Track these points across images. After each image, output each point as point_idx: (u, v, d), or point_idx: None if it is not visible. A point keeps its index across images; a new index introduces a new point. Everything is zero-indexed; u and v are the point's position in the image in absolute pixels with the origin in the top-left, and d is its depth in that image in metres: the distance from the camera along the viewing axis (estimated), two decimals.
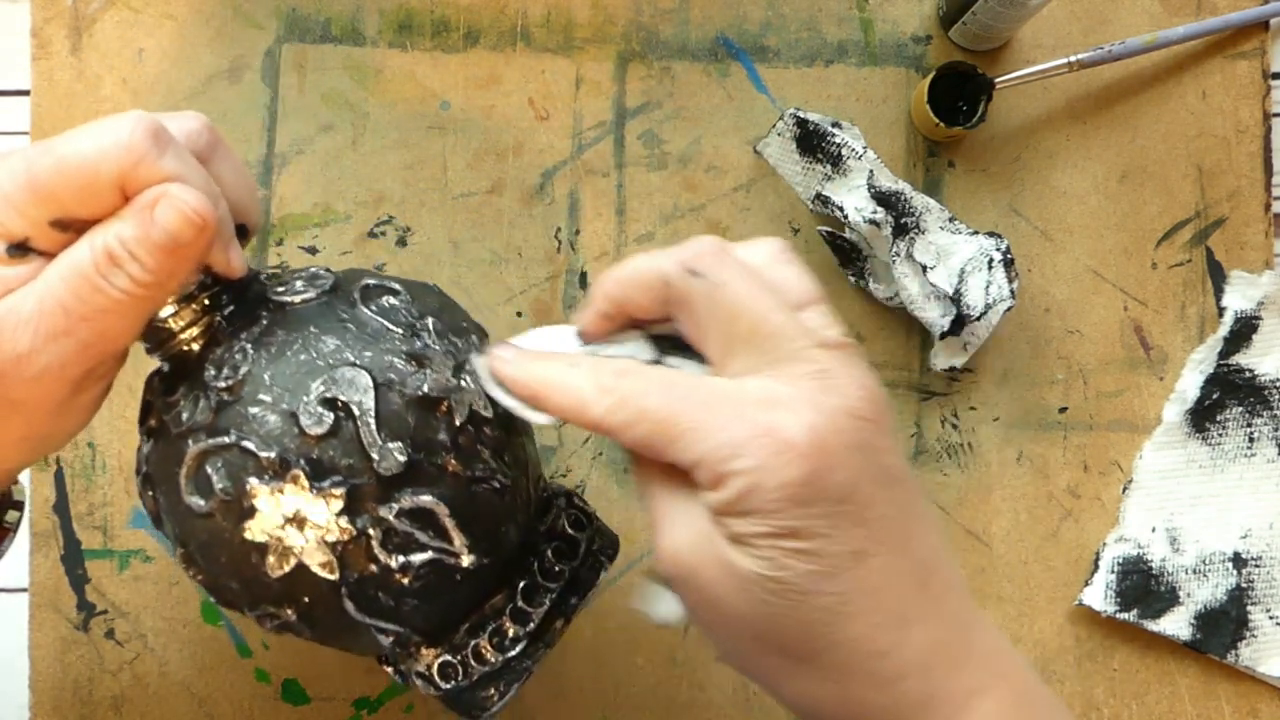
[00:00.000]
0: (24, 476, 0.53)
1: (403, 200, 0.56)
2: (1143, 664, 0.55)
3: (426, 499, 0.34)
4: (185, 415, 0.34)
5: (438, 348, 0.36)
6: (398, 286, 0.38)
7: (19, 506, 0.41)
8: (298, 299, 0.36)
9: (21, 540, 0.54)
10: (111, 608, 0.54)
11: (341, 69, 0.56)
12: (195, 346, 0.35)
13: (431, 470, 0.34)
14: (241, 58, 0.56)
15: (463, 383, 0.36)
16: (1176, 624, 0.54)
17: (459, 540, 0.35)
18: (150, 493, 0.36)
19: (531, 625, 0.37)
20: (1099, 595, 0.54)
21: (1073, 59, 0.54)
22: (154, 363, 0.37)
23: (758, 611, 0.29)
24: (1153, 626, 0.54)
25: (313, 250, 0.55)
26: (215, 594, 0.36)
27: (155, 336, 0.34)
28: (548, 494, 0.40)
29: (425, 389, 0.34)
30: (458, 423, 0.35)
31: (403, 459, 0.33)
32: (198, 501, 0.33)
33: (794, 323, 0.31)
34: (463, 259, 0.55)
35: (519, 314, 0.55)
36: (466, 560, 0.35)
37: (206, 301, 0.34)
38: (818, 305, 0.32)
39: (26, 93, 0.56)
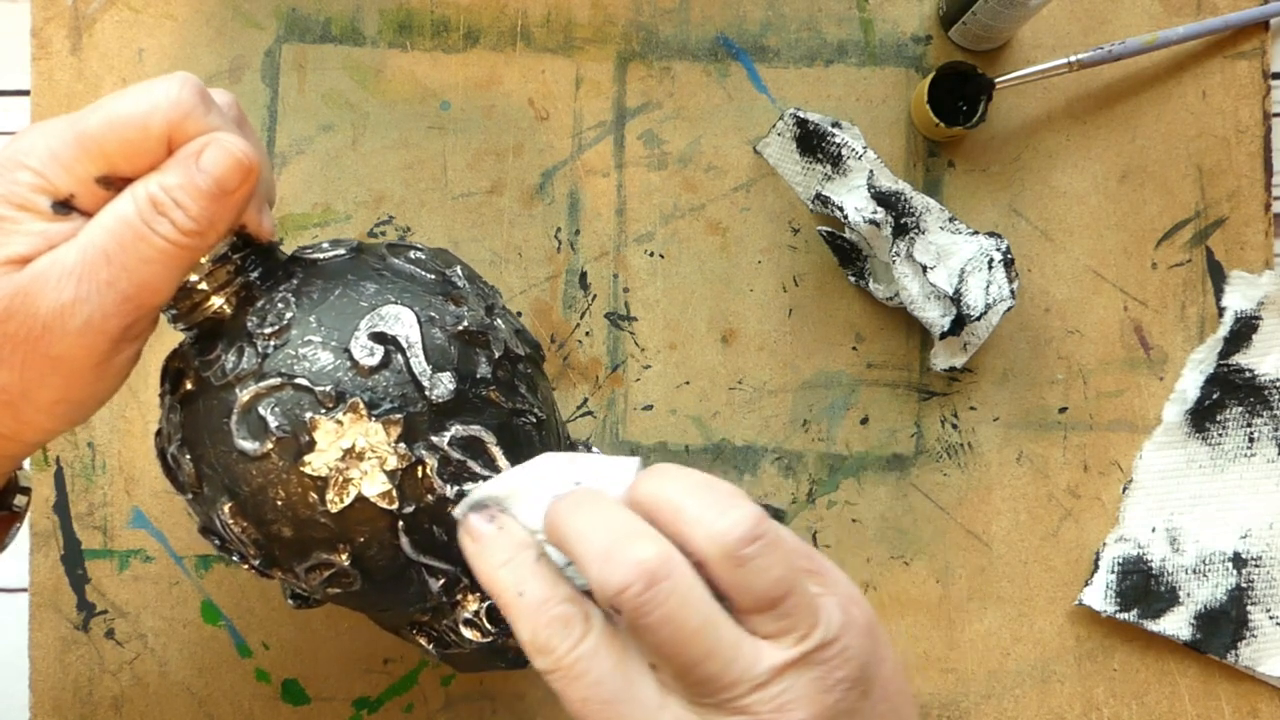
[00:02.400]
0: (26, 466, 0.53)
1: (403, 200, 0.56)
2: (1143, 664, 0.55)
3: (476, 428, 0.35)
4: (229, 366, 0.34)
5: (469, 290, 0.38)
6: (419, 245, 0.40)
7: (26, 491, 0.41)
8: (326, 255, 0.37)
9: (21, 540, 0.54)
10: (111, 608, 0.54)
11: (341, 69, 0.56)
12: (227, 309, 0.35)
13: (477, 401, 0.35)
14: (241, 58, 0.56)
15: (496, 322, 0.38)
16: (1176, 624, 0.54)
17: (507, 470, 0.36)
18: (188, 455, 0.36)
19: None
20: (1099, 595, 0.54)
21: (1073, 59, 0.54)
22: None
23: None
24: (1153, 626, 0.54)
25: None
26: (263, 551, 0.36)
27: (187, 300, 0.35)
28: (570, 440, 0.42)
29: (465, 324, 0.36)
30: (496, 356, 0.37)
31: (452, 387, 0.35)
32: (251, 445, 0.34)
33: (731, 665, 0.28)
34: (463, 259, 0.55)
35: (519, 314, 0.55)
36: None
37: (238, 263, 0.35)
38: (780, 604, 0.28)
39: (26, 93, 0.56)
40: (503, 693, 0.54)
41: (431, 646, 0.39)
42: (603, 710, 0.28)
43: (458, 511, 0.33)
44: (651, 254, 0.56)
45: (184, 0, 0.56)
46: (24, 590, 0.54)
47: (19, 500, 0.41)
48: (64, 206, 0.32)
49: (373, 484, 0.34)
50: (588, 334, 0.55)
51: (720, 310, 0.56)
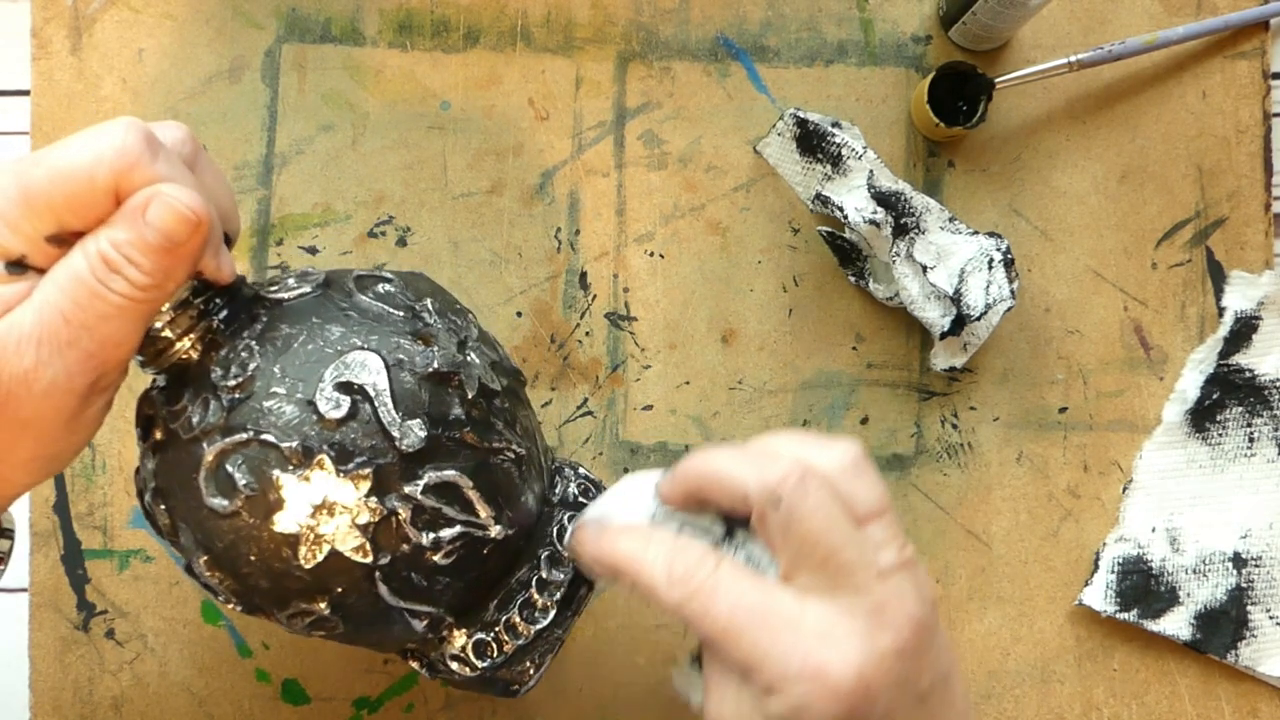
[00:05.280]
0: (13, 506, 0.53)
1: (403, 200, 0.56)
2: (1143, 664, 0.55)
3: (450, 473, 0.34)
4: (196, 419, 0.34)
5: (440, 325, 0.37)
6: (389, 275, 0.38)
7: (9, 535, 0.40)
8: (292, 295, 0.36)
9: (21, 540, 0.54)
10: (111, 608, 0.54)
11: (341, 69, 0.56)
12: (194, 354, 0.34)
13: (450, 445, 0.34)
14: (241, 58, 0.56)
15: (468, 358, 0.36)
16: (1176, 624, 0.54)
17: (485, 512, 0.35)
18: (162, 505, 0.35)
19: (559, 594, 0.37)
20: (1099, 595, 0.54)
21: (1073, 59, 0.54)
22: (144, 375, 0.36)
23: None
24: (1153, 626, 0.54)
25: (313, 250, 0.55)
26: (243, 599, 0.35)
27: (152, 347, 0.34)
28: (555, 464, 0.41)
29: (435, 365, 0.35)
30: (470, 395, 0.35)
31: (423, 434, 0.34)
32: (220, 502, 0.33)
33: (861, 555, 0.32)
34: (463, 259, 0.55)
35: (519, 314, 0.55)
36: (494, 531, 0.35)
37: (201, 307, 0.34)
38: (883, 517, 0.33)
39: (26, 93, 0.56)
40: None
41: (424, 671, 0.39)
42: (750, 616, 0.31)
43: (565, 543, 0.36)
44: (651, 254, 0.56)
45: (184, 0, 0.56)
46: (24, 590, 0.54)
47: (1, 545, 0.40)
48: (17, 266, 0.31)
49: (345, 540, 0.33)
50: (588, 334, 0.55)
51: (720, 310, 0.56)
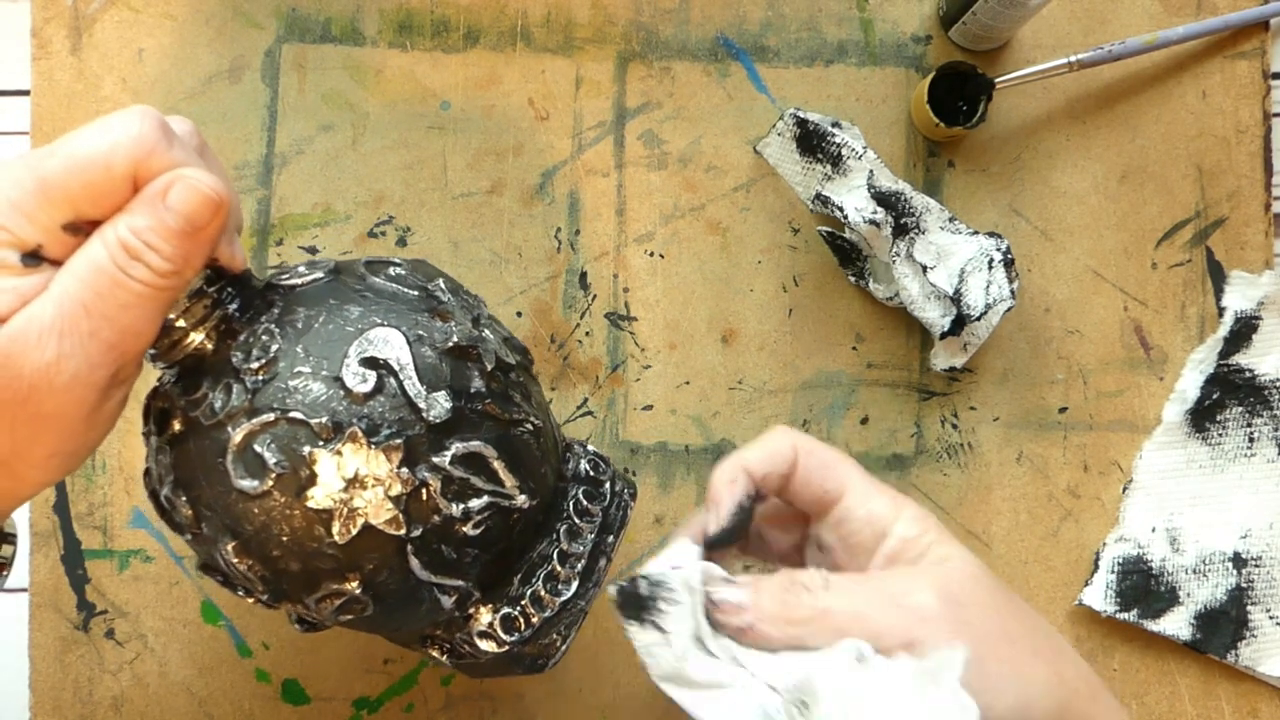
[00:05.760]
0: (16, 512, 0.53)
1: (403, 200, 0.56)
2: (1143, 664, 0.55)
3: (475, 444, 0.35)
4: (218, 405, 0.34)
5: (454, 303, 0.37)
6: (398, 260, 0.39)
7: (11, 540, 0.40)
8: (305, 280, 0.36)
9: (22, 540, 0.54)
10: (111, 608, 0.54)
11: (341, 69, 0.56)
12: (209, 344, 0.35)
13: (474, 416, 0.35)
14: (241, 58, 0.56)
15: (484, 333, 0.37)
16: (1176, 624, 0.54)
17: (510, 482, 0.36)
18: (184, 497, 0.35)
19: (580, 565, 0.38)
20: (1099, 595, 0.54)
21: (1073, 59, 0.54)
22: (146, 378, 0.36)
23: None
24: (1153, 626, 0.54)
25: (313, 250, 0.55)
26: (271, 586, 0.35)
27: (166, 338, 0.34)
28: (564, 441, 0.42)
29: (454, 339, 0.35)
30: (488, 368, 0.36)
31: (449, 405, 0.34)
32: (250, 483, 0.33)
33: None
34: (463, 259, 0.55)
35: (519, 314, 0.55)
36: (520, 500, 0.36)
37: (215, 296, 0.34)
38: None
39: (26, 93, 0.56)
40: (503, 692, 0.54)
41: (445, 658, 0.39)
42: (868, 599, 0.36)
43: (718, 620, 0.36)
44: (651, 254, 0.56)
45: (184, 0, 0.56)
46: (24, 590, 0.54)
47: (4, 550, 0.40)
48: (33, 258, 0.30)
49: (379, 512, 0.33)
50: (588, 334, 0.55)
51: (720, 310, 0.56)
